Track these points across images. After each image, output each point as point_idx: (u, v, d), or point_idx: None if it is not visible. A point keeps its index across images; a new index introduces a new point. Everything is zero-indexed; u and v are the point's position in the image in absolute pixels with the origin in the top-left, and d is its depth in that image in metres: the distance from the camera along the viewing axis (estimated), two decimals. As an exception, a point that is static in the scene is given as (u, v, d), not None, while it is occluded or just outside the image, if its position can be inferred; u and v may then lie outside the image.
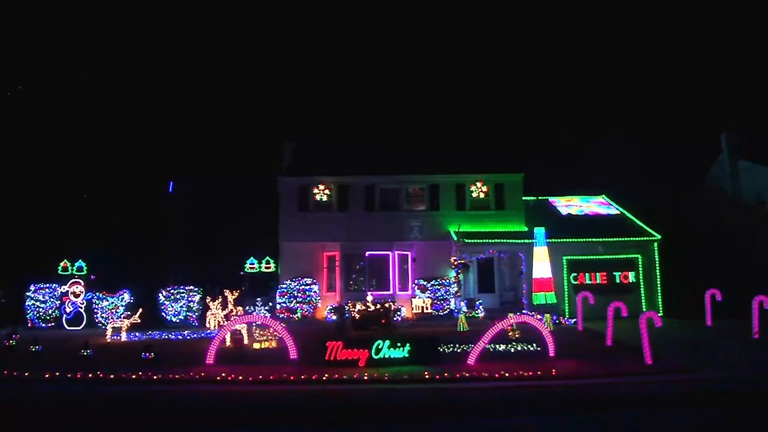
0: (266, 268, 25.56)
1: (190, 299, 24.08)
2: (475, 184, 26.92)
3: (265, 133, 43.58)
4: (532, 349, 15.77)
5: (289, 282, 25.16)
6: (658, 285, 24.98)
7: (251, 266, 25.51)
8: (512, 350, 15.80)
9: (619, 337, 16.43)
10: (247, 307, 22.77)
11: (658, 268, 25.14)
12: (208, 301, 20.78)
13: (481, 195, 26.90)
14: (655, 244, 25.42)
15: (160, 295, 24.00)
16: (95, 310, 23.37)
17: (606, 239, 25.31)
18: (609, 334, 16.51)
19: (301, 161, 27.98)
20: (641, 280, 25.14)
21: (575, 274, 25.16)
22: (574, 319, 21.59)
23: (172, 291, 24.17)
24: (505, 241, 25.08)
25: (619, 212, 28.09)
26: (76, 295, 23.43)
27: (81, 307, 23.41)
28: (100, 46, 41.61)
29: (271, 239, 26.72)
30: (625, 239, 25.39)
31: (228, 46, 54.47)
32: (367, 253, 26.03)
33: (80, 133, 33.00)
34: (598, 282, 25.01)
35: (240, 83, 52.52)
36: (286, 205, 26.61)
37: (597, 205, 29.11)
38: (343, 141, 30.46)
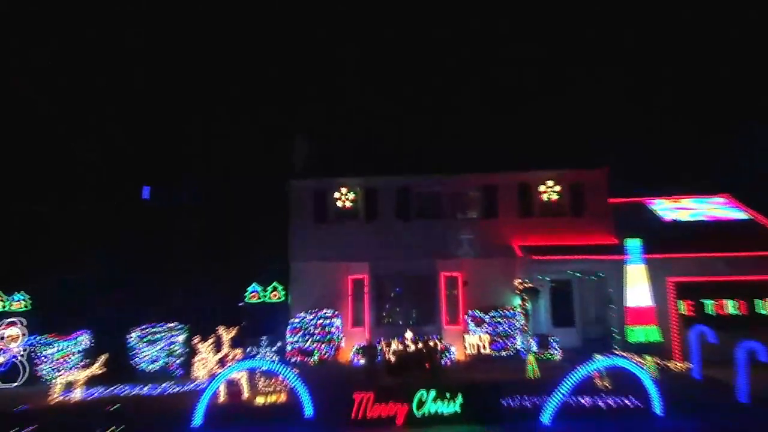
0: (273, 296, 25.71)
1: (172, 340, 23.97)
2: (545, 184, 26.70)
3: (270, 130, 45.39)
4: (629, 404, 15.24)
5: (303, 315, 25.11)
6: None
7: (253, 295, 25.63)
8: (602, 405, 15.35)
9: (758, 390, 15.66)
10: (248, 349, 22.76)
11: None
12: (196, 342, 20.46)
13: (553, 197, 26.68)
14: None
15: (131, 335, 23.87)
16: (39, 360, 22.80)
17: (732, 253, 24.41)
18: (741, 385, 15.80)
19: (318, 160, 28.10)
20: (787, 310, 24.24)
21: (687, 302, 24.63)
22: (689, 364, 20.97)
23: (148, 330, 24.04)
24: (587, 257, 24.66)
25: (748, 217, 27.37)
26: (13, 340, 22.91)
27: (18, 357, 22.80)
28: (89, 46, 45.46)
29: (280, 259, 26.83)
30: (761, 253, 24.48)
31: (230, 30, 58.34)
32: (405, 276, 26.14)
33: (37, 133, 35.66)
34: (722, 312, 24.38)
35: (243, 72, 55.00)
36: (298, 215, 26.66)
37: (717, 208, 28.47)
38: (369, 137, 30.63)
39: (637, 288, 21.96)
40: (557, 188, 26.73)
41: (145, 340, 23.92)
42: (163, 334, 24.08)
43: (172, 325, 24.21)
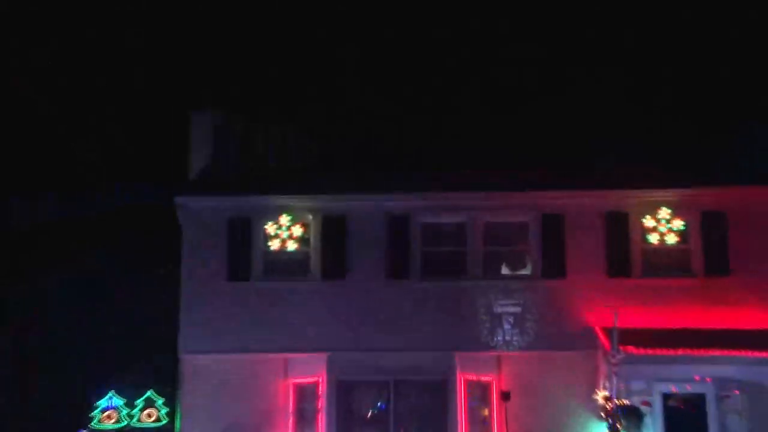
0: (146, 418, 24.47)
1: None
2: (653, 215, 21.82)
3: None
4: None
5: (202, 452, 21.70)
6: None
7: (108, 414, 24.05)
8: None
9: None
10: None
11: None
12: None
13: (671, 240, 21.68)
14: None
15: None
16: None
17: None
18: None
19: (237, 162, 23.61)
20: None
21: None
22: None
23: None
24: (736, 353, 20.09)
25: None
26: None
27: None
28: None
29: (161, 346, 24.61)
30: None
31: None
32: (393, 381, 21.39)
33: None
34: None
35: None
36: (197, 267, 21.95)
37: None
38: (334, 129, 25.92)
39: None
40: (677, 223, 21.54)
41: None
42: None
43: None
